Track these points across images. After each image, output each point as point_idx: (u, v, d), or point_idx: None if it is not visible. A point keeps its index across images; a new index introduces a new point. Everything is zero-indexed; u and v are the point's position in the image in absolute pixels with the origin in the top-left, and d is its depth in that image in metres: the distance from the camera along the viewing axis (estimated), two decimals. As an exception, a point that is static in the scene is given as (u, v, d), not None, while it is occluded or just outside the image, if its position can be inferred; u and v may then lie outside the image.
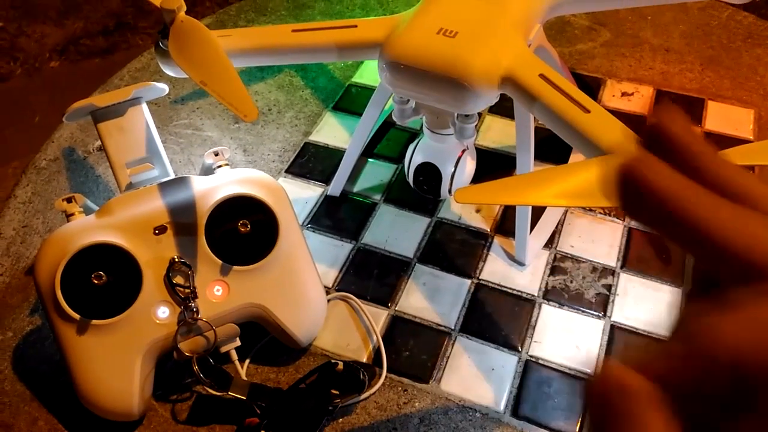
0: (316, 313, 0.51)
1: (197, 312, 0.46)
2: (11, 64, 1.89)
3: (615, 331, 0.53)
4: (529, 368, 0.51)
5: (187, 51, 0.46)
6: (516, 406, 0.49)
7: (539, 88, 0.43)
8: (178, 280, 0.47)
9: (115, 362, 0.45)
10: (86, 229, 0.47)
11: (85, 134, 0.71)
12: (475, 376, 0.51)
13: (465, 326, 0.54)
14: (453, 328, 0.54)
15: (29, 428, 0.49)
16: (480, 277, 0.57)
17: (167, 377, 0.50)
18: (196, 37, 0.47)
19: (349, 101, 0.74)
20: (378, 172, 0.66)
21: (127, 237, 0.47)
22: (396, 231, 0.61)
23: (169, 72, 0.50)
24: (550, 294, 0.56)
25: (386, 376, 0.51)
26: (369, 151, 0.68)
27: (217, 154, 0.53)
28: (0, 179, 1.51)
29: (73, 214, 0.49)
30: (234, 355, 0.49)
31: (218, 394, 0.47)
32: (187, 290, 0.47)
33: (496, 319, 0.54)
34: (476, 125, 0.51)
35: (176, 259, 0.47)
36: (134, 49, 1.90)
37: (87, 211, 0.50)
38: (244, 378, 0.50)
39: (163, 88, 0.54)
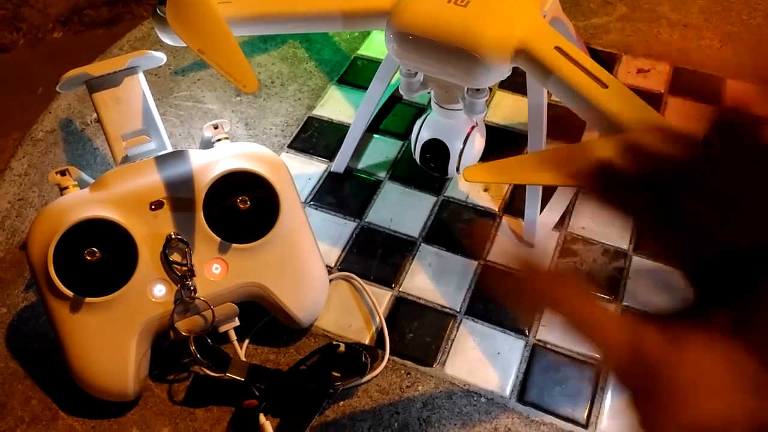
0: (318, 293, 0.49)
1: (195, 290, 0.45)
2: (14, 34, 1.86)
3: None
4: (536, 353, 0.50)
5: (186, 18, 0.44)
6: (522, 392, 0.48)
7: (555, 61, 0.41)
8: (175, 257, 0.45)
9: (109, 341, 0.44)
10: (80, 203, 0.45)
11: (82, 105, 0.69)
12: (480, 360, 0.50)
13: (471, 309, 0.52)
14: (458, 310, 0.52)
15: (22, 407, 0.48)
16: (487, 259, 0.56)
17: (164, 357, 0.49)
18: (194, 3, 0.44)
19: (355, 74, 0.72)
20: (383, 149, 0.64)
21: (123, 212, 0.45)
22: (401, 209, 0.59)
23: (167, 40, 0.48)
24: (559, 277, 0.54)
25: (389, 359, 0.50)
26: (374, 127, 0.66)
27: (216, 127, 0.51)
28: (0, 151, 1.50)
29: (67, 188, 0.48)
30: (233, 336, 0.48)
31: (216, 375, 0.46)
32: (185, 268, 0.45)
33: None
34: (487, 100, 0.49)
35: (173, 236, 0.45)
36: (138, 20, 1.86)
37: (82, 184, 0.49)
38: (243, 359, 0.49)
39: (161, 57, 0.52)
